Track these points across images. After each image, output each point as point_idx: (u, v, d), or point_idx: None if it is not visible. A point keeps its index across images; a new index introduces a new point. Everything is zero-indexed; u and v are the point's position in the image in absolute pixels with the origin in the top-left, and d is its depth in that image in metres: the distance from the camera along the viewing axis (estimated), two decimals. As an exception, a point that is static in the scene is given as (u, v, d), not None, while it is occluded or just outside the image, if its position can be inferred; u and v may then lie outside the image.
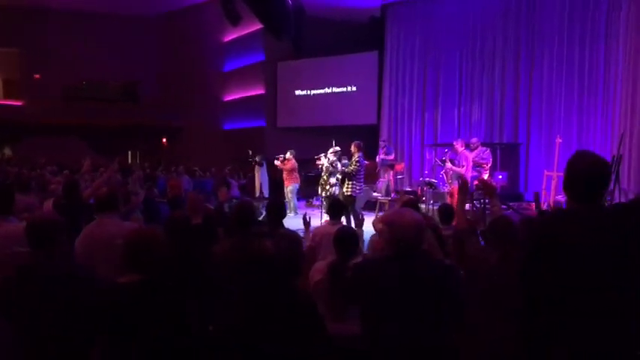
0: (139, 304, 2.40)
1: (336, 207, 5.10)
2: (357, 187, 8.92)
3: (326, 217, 5.79)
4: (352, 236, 3.44)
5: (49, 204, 5.13)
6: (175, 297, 2.52)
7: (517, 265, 2.33)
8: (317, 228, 4.90)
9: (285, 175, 12.07)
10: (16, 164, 16.15)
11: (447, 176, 9.84)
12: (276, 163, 12.28)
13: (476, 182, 8.30)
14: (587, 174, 2.13)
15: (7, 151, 22.09)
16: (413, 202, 4.62)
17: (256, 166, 13.29)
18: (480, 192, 8.28)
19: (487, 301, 2.78)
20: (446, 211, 4.96)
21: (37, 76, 21.11)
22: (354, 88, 16.29)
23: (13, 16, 19.49)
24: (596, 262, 2.03)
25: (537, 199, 9.93)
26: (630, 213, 2.17)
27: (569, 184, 2.18)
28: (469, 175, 9.46)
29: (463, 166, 9.42)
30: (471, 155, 9.77)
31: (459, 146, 9.72)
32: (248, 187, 14.16)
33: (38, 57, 20.68)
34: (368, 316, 2.50)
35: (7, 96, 21.82)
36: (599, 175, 2.14)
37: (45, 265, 2.67)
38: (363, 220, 8.90)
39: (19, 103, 20.69)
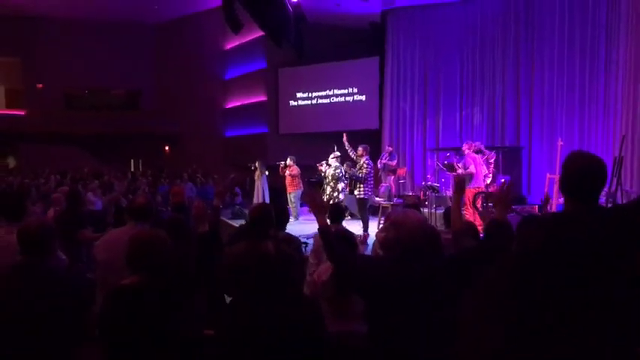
0: (138, 305, 2.42)
1: (337, 211, 5.17)
2: (369, 190, 9.14)
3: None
4: (348, 237, 3.46)
5: (51, 212, 5.16)
6: (175, 299, 2.53)
7: (509, 264, 2.32)
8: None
9: (288, 181, 12.07)
10: (18, 174, 16.21)
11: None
12: (281, 166, 12.27)
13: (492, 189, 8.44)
14: (581, 173, 2.13)
15: (11, 161, 22.15)
16: (413, 204, 4.64)
17: (258, 174, 13.26)
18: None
19: (480, 303, 2.78)
20: (450, 215, 4.94)
21: (40, 85, 21.18)
22: (355, 94, 16.33)
23: (15, 26, 19.59)
24: (588, 262, 2.01)
25: (546, 203, 9.83)
26: (627, 214, 2.14)
27: (565, 183, 2.19)
28: (481, 174, 9.45)
29: (470, 165, 9.38)
30: (477, 157, 9.71)
31: (466, 149, 9.69)
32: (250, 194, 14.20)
33: (40, 66, 20.76)
34: (372, 314, 2.51)
35: (9, 106, 21.88)
36: (593, 173, 2.13)
37: (35, 270, 2.69)
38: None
39: (21, 113, 20.77)
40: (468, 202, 8.98)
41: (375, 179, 11.90)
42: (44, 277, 2.69)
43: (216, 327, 2.38)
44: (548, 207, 9.52)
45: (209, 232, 3.00)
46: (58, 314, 2.60)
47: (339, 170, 10.34)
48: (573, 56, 11.93)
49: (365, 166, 9.15)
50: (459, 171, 9.55)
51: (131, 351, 2.43)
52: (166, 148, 23.09)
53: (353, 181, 9.36)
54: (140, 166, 22.58)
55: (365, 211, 9.32)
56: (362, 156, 9.29)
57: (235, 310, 2.30)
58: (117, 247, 3.38)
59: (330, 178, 10.43)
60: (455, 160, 10.30)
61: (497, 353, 2.55)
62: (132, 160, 22.95)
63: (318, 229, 2.78)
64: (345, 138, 10.11)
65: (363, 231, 9.00)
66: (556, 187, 9.75)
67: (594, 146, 11.39)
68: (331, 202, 9.80)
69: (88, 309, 2.78)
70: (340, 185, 10.23)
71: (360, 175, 9.12)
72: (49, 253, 2.79)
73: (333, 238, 2.73)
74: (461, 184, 3.19)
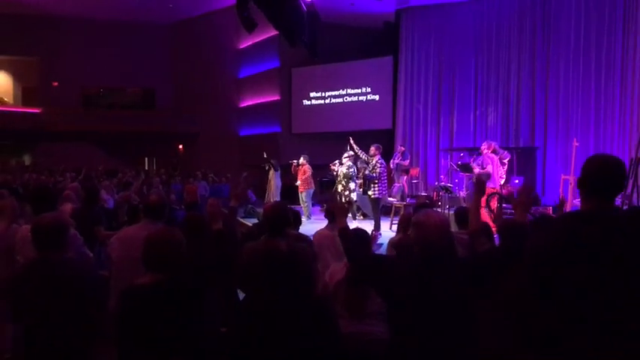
0: (154, 304, 2.44)
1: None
2: (383, 190, 9.15)
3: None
4: (364, 236, 3.46)
5: (66, 207, 5.19)
6: (190, 298, 2.55)
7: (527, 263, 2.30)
8: (317, 233, 4.85)
9: (299, 178, 12.08)
10: (34, 171, 16.38)
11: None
12: (293, 165, 12.29)
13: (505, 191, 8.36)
14: (601, 172, 2.13)
15: (27, 159, 22.40)
16: (425, 205, 4.62)
17: (271, 171, 13.32)
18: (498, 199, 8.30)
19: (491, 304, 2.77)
20: (462, 215, 4.90)
21: (56, 83, 21.39)
22: (368, 94, 16.30)
23: (32, 25, 19.82)
24: (606, 262, 2.00)
25: (561, 206, 9.73)
26: None
27: (585, 182, 2.18)
28: (497, 175, 9.36)
29: (488, 165, 9.30)
30: (495, 158, 9.63)
31: (485, 148, 9.61)
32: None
33: (56, 65, 20.97)
34: (390, 313, 2.51)
35: (26, 104, 22.15)
36: (613, 173, 2.13)
37: (49, 265, 2.71)
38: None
39: (37, 111, 20.98)
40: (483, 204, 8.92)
41: (387, 179, 11.91)
42: (55, 273, 2.69)
43: (230, 324, 2.40)
44: (564, 209, 9.43)
45: (224, 230, 3.01)
46: (69, 310, 2.62)
47: (351, 169, 10.35)
48: (589, 56, 11.82)
49: (378, 165, 9.19)
50: (477, 170, 9.46)
51: (146, 349, 2.45)
52: (180, 146, 23.21)
53: (367, 181, 9.37)
54: (154, 165, 22.72)
55: (377, 210, 9.34)
56: (374, 155, 9.30)
57: (248, 307, 2.31)
58: (131, 245, 3.42)
59: (342, 176, 10.44)
60: (469, 159, 10.22)
61: (513, 354, 2.54)
62: (146, 159, 23.11)
63: (338, 229, 2.81)
64: (351, 141, 10.11)
65: (375, 230, 9.01)
66: (571, 187, 9.67)
67: (610, 147, 11.28)
68: (341, 200, 9.83)
69: (100, 305, 2.80)
70: (352, 184, 10.24)
71: (374, 174, 9.15)
72: (62, 248, 2.79)
73: (351, 239, 2.74)
74: (482, 184, 3.18)
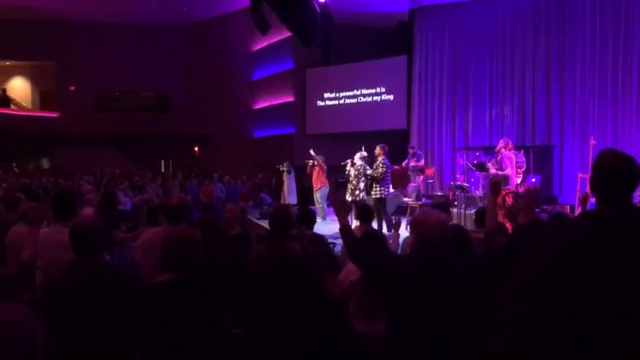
0: (172, 302, 2.46)
1: (366, 212, 5.23)
2: (386, 190, 9.06)
3: (356, 223, 5.87)
4: (378, 237, 3.47)
5: (88, 211, 5.26)
6: (206, 297, 2.57)
7: (540, 262, 2.28)
8: None
9: (314, 177, 12.06)
10: (52, 174, 16.59)
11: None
12: (312, 153, 12.23)
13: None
14: (612, 172, 2.08)
15: (45, 162, 22.68)
16: (441, 205, 4.65)
17: (285, 174, 13.37)
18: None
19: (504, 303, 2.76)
20: (481, 215, 4.94)
21: (72, 88, 21.63)
22: (383, 94, 16.26)
23: (48, 31, 20.08)
24: (621, 262, 1.97)
25: (585, 201, 9.60)
26: None
27: (596, 183, 2.15)
28: (514, 177, 9.19)
29: (507, 168, 9.14)
30: (514, 156, 9.45)
31: (502, 146, 9.45)
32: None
33: (73, 69, 21.21)
34: (391, 312, 2.51)
35: (43, 108, 22.44)
36: (625, 173, 2.08)
37: (88, 269, 2.74)
38: (399, 222, 9.03)
39: (54, 115, 21.24)
40: (500, 203, 8.78)
41: (402, 180, 11.84)
42: (100, 274, 2.73)
43: (243, 324, 2.42)
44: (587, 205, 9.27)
45: (241, 234, 3.04)
46: (113, 311, 2.65)
47: (362, 169, 10.34)
48: (606, 51, 11.69)
49: (380, 165, 9.12)
50: (492, 171, 9.33)
51: (163, 346, 2.48)
52: (195, 149, 23.35)
53: (369, 181, 9.35)
54: (170, 167, 22.88)
55: (384, 210, 9.24)
56: (379, 155, 9.26)
57: (257, 307, 2.33)
58: (152, 248, 3.45)
59: (352, 176, 10.46)
60: (485, 158, 10.12)
61: (515, 353, 2.53)
62: (162, 161, 23.27)
63: (339, 229, 2.82)
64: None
65: (387, 231, 8.93)
66: (588, 186, 9.54)
67: (628, 144, 11.15)
68: (350, 199, 9.80)
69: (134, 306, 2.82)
70: (362, 184, 10.24)
71: (375, 174, 9.09)
72: (100, 251, 2.86)
73: (352, 238, 2.75)
74: (496, 186, 3.17)
